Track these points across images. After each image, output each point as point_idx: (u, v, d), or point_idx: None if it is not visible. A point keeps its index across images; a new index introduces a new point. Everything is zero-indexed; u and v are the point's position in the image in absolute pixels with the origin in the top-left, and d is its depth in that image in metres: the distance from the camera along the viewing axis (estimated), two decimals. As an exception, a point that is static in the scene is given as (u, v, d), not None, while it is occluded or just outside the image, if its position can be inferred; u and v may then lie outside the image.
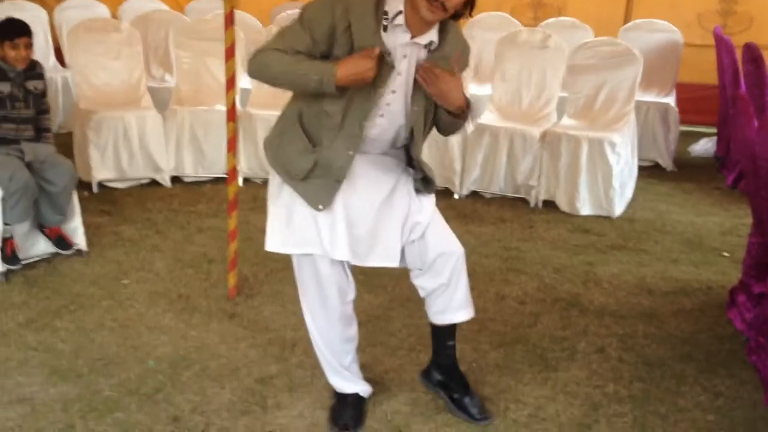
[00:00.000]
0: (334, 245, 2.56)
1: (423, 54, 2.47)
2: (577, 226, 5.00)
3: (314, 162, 2.51)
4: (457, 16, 2.44)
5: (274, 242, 2.66)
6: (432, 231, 2.66)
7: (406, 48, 2.44)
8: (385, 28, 2.40)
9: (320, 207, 2.54)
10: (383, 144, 2.62)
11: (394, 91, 2.48)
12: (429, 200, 2.71)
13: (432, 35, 2.44)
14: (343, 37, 2.38)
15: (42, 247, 4.23)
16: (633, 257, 4.51)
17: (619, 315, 3.74)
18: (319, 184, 2.54)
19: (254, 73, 2.47)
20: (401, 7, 2.39)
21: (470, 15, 2.45)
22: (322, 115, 2.49)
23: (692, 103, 7.02)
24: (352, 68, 2.34)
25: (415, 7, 2.34)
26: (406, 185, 2.66)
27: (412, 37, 2.42)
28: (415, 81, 2.48)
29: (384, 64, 2.40)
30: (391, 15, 2.40)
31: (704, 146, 7.02)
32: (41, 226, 4.20)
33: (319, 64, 2.37)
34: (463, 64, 2.58)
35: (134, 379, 3.07)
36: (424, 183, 2.68)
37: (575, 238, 4.80)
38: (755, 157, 3.13)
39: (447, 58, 2.48)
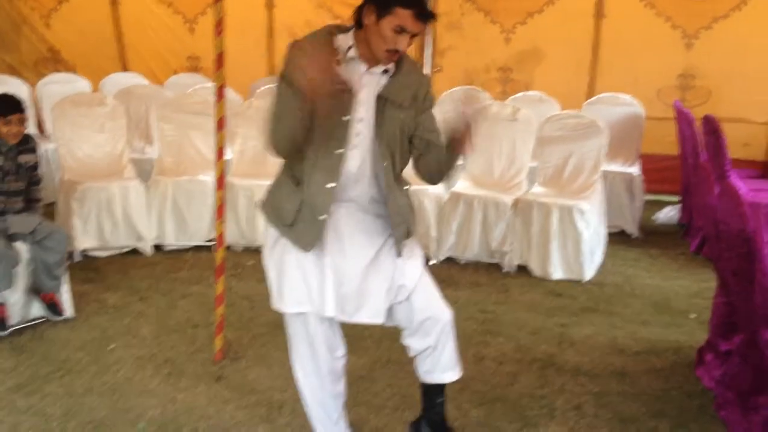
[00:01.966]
0: (322, 303, 2.70)
1: (383, 80, 2.64)
2: (550, 290, 5.16)
3: (300, 201, 2.66)
4: None
5: (273, 300, 2.80)
6: (418, 295, 2.78)
7: (363, 77, 2.61)
8: (339, 63, 2.56)
9: (308, 248, 2.67)
10: (365, 184, 2.71)
11: (361, 120, 2.63)
12: (413, 265, 2.81)
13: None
14: None
15: (33, 312, 4.30)
16: (604, 319, 4.66)
17: (594, 374, 3.88)
18: (305, 226, 2.67)
19: (270, 137, 2.55)
20: (350, 42, 2.59)
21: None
22: (303, 155, 2.64)
23: (656, 173, 7.21)
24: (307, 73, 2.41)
25: (369, 47, 2.54)
26: (393, 248, 2.79)
27: (369, 67, 2.61)
28: (378, 109, 2.61)
29: (344, 93, 2.56)
30: (342, 50, 2.58)
31: (668, 214, 7.22)
32: (37, 292, 4.27)
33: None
34: (428, 97, 2.74)
35: (125, 442, 3.14)
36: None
37: (548, 301, 4.95)
38: (717, 221, 3.33)
39: (407, 87, 2.66)
